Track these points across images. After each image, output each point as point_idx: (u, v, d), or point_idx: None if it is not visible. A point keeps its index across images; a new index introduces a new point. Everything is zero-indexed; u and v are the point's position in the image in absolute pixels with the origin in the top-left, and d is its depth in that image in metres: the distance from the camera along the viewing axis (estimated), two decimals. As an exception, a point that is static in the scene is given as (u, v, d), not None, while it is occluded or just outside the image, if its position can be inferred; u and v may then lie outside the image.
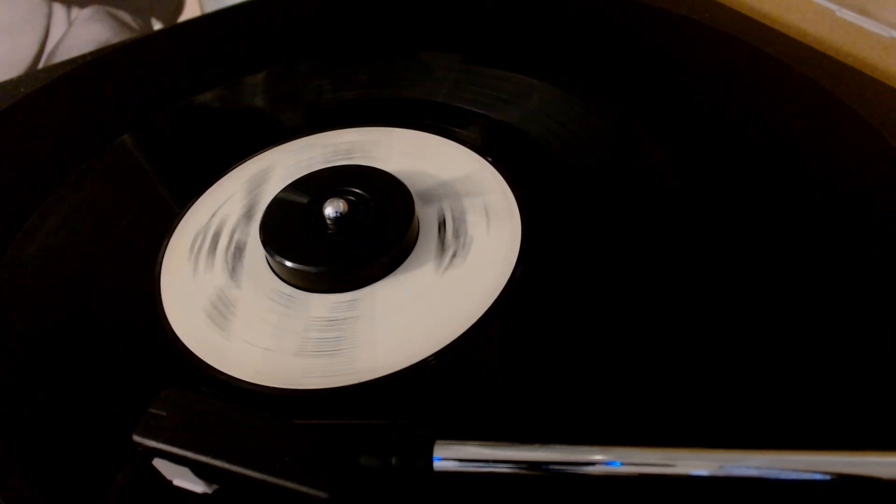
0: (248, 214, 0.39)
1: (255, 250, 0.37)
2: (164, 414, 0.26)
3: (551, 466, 0.25)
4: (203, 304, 0.35)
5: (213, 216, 0.39)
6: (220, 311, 0.34)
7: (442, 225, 0.37)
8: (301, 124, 0.45)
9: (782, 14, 0.51)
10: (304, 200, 0.37)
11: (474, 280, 0.34)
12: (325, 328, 0.33)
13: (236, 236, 0.38)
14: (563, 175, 0.40)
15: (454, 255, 0.35)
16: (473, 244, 0.36)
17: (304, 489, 0.24)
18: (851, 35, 0.47)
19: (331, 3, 0.58)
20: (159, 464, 0.26)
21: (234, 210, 0.40)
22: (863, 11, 0.46)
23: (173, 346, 0.33)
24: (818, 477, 0.24)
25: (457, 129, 0.43)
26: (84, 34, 0.74)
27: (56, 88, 0.51)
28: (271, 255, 0.35)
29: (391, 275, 0.35)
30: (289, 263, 0.34)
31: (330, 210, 0.35)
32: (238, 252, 0.37)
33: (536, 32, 0.51)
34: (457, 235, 0.36)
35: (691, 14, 0.50)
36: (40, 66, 0.73)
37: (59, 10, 0.74)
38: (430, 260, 0.35)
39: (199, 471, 0.25)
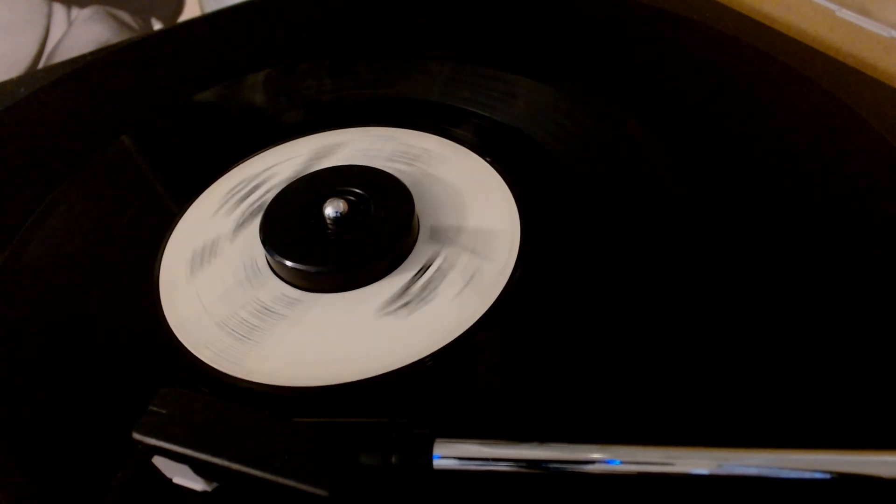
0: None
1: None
2: (163, 412, 0.26)
3: (550, 465, 0.25)
4: (205, 302, 0.35)
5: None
6: (222, 307, 0.34)
7: (444, 225, 0.37)
8: (301, 124, 0.45)
9: (782, 14, 0.51)
10: (304, 200, 0.37)
11: (475, 280, 0.34)
12: (326, 328, 0.33)
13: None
14: (562, 176, 0.40)
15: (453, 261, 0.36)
16: (473, 245, 0.36)
17: (304, 487, 0.24)
18: (851, 35, 0.47)
19: (330, 3, 0.58)
20: (159, 462, 0.26)
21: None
22: (863, 11, 0.46)
23: (173, 344, 0.33)
24: (818, 476, 0.24)
25: (456, 130, 0.43)
26: (84, 34, 0.74)
27: (56, 88, 0.51)
28: (271, 255, 0.35)
29: (391, 275, 0.35)
30: (289, 263, 0.34)
31: (330, 210, 0.35)
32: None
33: (537, 33, 0.51)
34: (455, 240, 0.36)
35: (691, 14, 0.50)
36: (40, 66, 0.73)
37: (59, 10, 0.74)
38: (431, 260, 0.35)
39: (199, 469, 0.25)
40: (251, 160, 0.43)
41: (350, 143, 0.43)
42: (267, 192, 0.40)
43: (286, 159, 0.42)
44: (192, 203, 0.40)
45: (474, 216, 0.37)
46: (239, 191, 0.41)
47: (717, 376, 0.29)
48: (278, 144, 0.44)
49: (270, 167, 0.42)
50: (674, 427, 0.28)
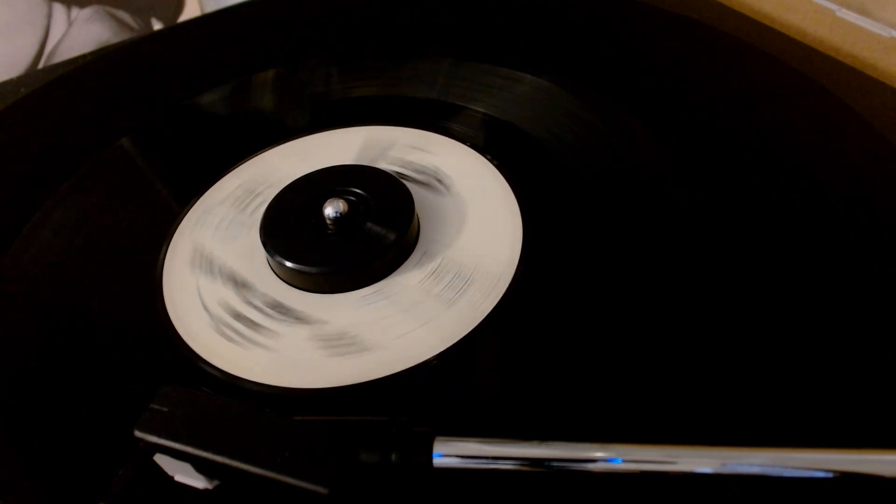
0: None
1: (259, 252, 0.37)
2: (165, 410, 0.26)
3: (552, 463, 0.25)
4: (205, 302, 0.35)
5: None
6: (223, 307, 0.34)
7: (445, 224, 0.37)
8: (301, 124, 0.45)
9: (782, 14, 0.51)
10: (305, 200, 0.37)
11: (475, 280, 0.34)
12: (326, 327, 0.33)
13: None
14: (563, 175, 0.40)
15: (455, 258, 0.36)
16: (473, 245, 0.36)
17: (304, 485, 0.24)
18: (851, 35, 0.47)
19: (330, 3, 0.58)
20: (161, 459, 0.26)
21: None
22: (863, 11, 0.46)
23: (174, 343, 0.33)
24: (820, 475, 0.24)
25: (457, 128, 0.43)
26: (84, 34, 0.74)
27: (56, 88, 0.51)
28: (271, 255, 0.35)
29: (391, 275, 0.35)
30: (288, 263, 0.34)
31: (330, 210, 0.35)
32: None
33: (537, 32, 0.51)
34: (456, 238, 0.36)
35: (691, 14, 0.50)
36: (40, 66, 0.73)
37: (59, 10, 0.74)
38: (430, 260, 0.35)
39: (201, 466, 0.25)
40: (250, 161, 0.43)
41: (349, 143, 0.43)
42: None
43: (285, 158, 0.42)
44: (193, 202, 0.40)
45: (475, 216, 0.37)
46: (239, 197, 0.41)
47: (719, 375, 0.29)
48: (277, 145, 0.44)
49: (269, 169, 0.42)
50: (676, 426, 0.28)
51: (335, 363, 0.31)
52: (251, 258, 0.37)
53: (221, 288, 0.35)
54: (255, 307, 0.34)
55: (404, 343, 0.32)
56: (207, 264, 0.37)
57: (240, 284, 0.35)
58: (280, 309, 0.34)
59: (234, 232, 0.38)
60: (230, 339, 0.33)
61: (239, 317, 0.34)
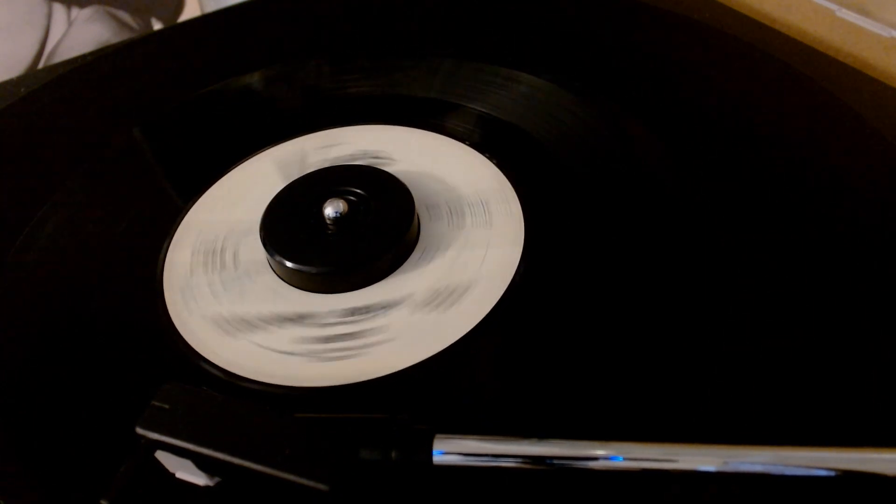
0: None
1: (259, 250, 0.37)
2: (167, 407, 0.26)
3: (552, 461, 0.25)
4: (206, 300, 0.35)
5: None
6: (224, 306, 0.34)
7: (445, 223, 0.37)
8: (300, 124, 0.45)
9: (782, 14, 0.51)
10: (304, 200, 0.37)
11: (476, 279, 0.34)
12: (325, 328, 0.33)
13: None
14: (564, 174, 0.40)
15: (455, 258, 0.36)
16: (475, 245, 0.36)
17: (304, 481, 0.24)
18: (851, 35, 0.47)
19: (330, 3, 0.58)
20: (162, 456, 0.26)
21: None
22: (863, 11, 0.46)
23: (176, 340, 0.33)
24: (822, 473, 0.24)
25: (457, 128, 0.43)
26: (84, 34, 0.74)
27: (56, 88, 0.51)
28: (271, 255, 0.35)
29: (391, 275, 0.35)
30: (289, 263, 0.34)
31: (330, 210, 0.35)
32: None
33: (537, 32, 0.51)
34: (457, 238, 0.36)
35: (691, 14, 0.50)
36: (40, 66, 0.74)
37: (59, 10, 0.74)
38: (432, 260, 0.35)
39: (202, 463, 0.25)
40: (245, 163, 0.43)
41: (350, 142, 0.43)
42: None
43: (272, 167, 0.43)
44: (192, 203, 0.40)
45: (474, 217, 0.37)
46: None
47: (720, 373, 0.29)
48: (275, 145, 0.44)
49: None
50: (677, 424, 0.28)
51: (335, 361, 0.31)
52: (251, 259, 0.37)
53: (221, 286, 0.35)
54: (257, 307, 0.34)
55: (404, 342, 0.32)
56: (208, 262, 0.37)
57: (240, 283, 0.35)
58: (281, 309, 0.34)
59: (236, 234, 0.38)
60: (231, 337, 0.33)
61: (239, 315, 0.34)
